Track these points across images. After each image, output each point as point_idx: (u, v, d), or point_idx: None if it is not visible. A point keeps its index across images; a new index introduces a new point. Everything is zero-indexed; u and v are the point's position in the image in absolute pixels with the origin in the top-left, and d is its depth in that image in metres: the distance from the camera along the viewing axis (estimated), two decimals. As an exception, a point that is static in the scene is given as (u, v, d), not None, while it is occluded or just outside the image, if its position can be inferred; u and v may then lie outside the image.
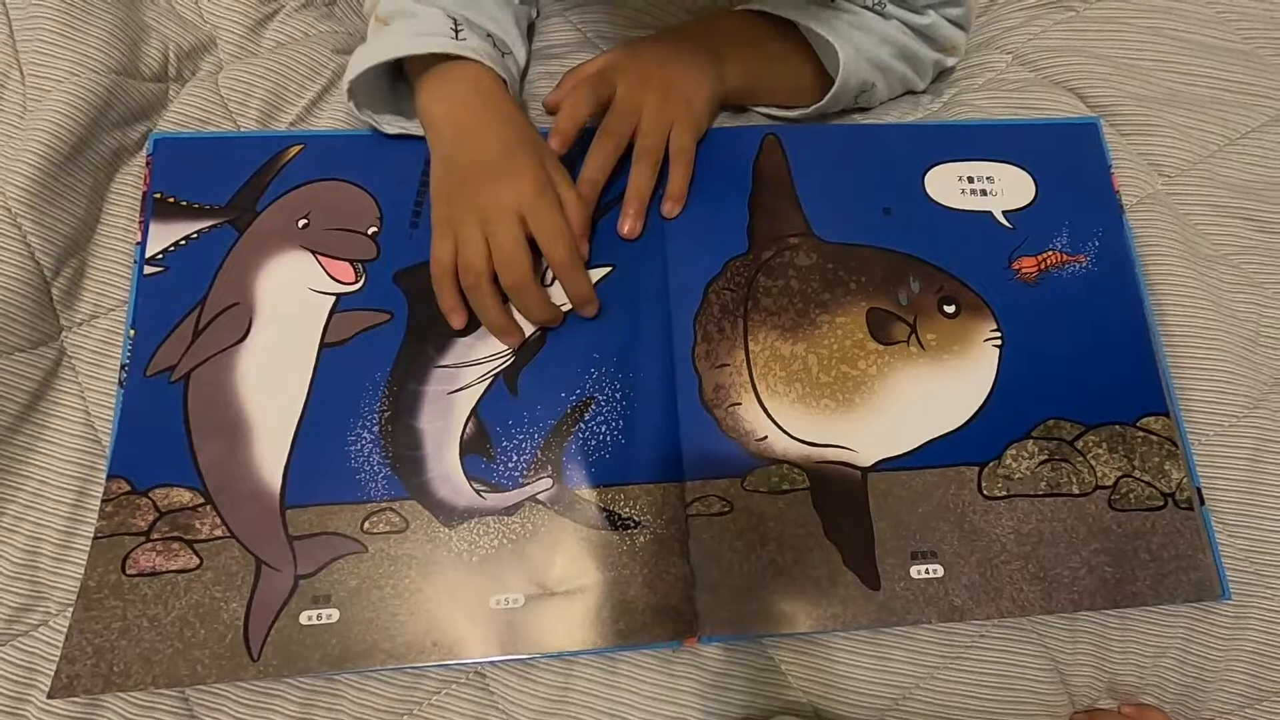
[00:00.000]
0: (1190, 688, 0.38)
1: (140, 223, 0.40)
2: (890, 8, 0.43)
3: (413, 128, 0.41)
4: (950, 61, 0.48)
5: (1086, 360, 0.40)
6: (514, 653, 0.34)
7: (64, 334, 0.39)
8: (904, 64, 0.45)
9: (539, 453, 0.37)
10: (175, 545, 0.34)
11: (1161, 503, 0.38)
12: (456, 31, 0.40)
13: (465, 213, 0.37)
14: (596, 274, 0.40)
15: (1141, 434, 0.40)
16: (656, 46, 0.43)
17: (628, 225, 0.41)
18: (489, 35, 0.42)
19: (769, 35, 0.44)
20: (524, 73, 0.46)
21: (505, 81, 0.40)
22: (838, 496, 0.37)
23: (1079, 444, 0.39)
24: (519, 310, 0.39)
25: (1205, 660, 0.38)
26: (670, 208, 0.41)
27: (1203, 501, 0.39)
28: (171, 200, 0.40)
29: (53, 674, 0.32)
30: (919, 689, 0.36)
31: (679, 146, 0.41)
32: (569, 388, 0.38)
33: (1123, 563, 0.37)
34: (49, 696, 0.32)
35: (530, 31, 0.48)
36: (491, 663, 0.35)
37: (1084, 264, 0.42)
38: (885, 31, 0.44)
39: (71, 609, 0.34)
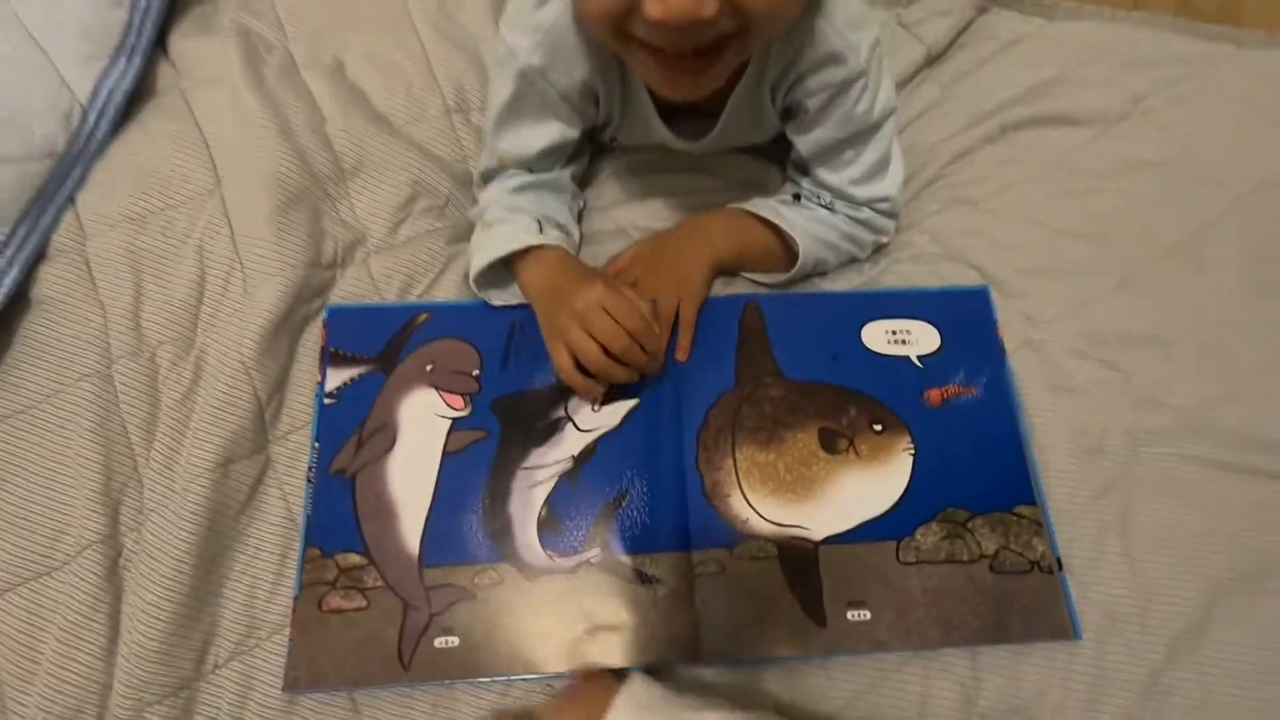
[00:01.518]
0: (1079, 709, 0.51)
1: (320, 368, 0.59)
2: (837, 205, 0.62)
3: (509, 298, 0.60)
4: (884, 239, 0.65)
5: (976, 464, 0.57)
6: (576, 668, 0.50)
7: (270, 445, 0.57)
8: (848, 243, 0.63)
9: (591, 529, 0.54)
10: (351, 592, 0.52)
11: (1029, 568, 0.54)
12: (541, 228, 0.58)
13: (567, 321, 0.53)
14: (628, 405, 0.58)
15: (1015, 517, 0.56)
16: (668, 240, 0.62)
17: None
18: (558, 225, 0.61)
19: (750, 225, 0.62)
20: (578, 248, 0.65)
21: (574, 256, 0.59)
22: (798, 562, 0.54)
23: (969, 525, 0.55)
24: (630, 363, 0.54)
25: (1082, 687, 0.52)
26: (681, 355, 0.59)
27: (1061, 568, 0.55)
28: (341, 353, 0.59)
29: (277, 676, 0.49)
30: (858, 701, 0.52)
31: (685, 315, 0.59)
32: (611, 484, 0.55)
33: (1001, 611, 0.53)
34: (283, 689, 0.49)
35: (580, 217, 0.67)
36: (559, 676, 0.51)
37: (975, 394, 0.59)
38: (834, 222, 0.62)
39: (275, 635, 0.51)
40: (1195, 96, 0.70)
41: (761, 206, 0.62)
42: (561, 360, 0.55)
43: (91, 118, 0.64)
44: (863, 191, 0.60)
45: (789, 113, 0.59)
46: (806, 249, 0.60)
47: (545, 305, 0.57)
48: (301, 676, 0.49)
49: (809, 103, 0.55)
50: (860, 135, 0.57)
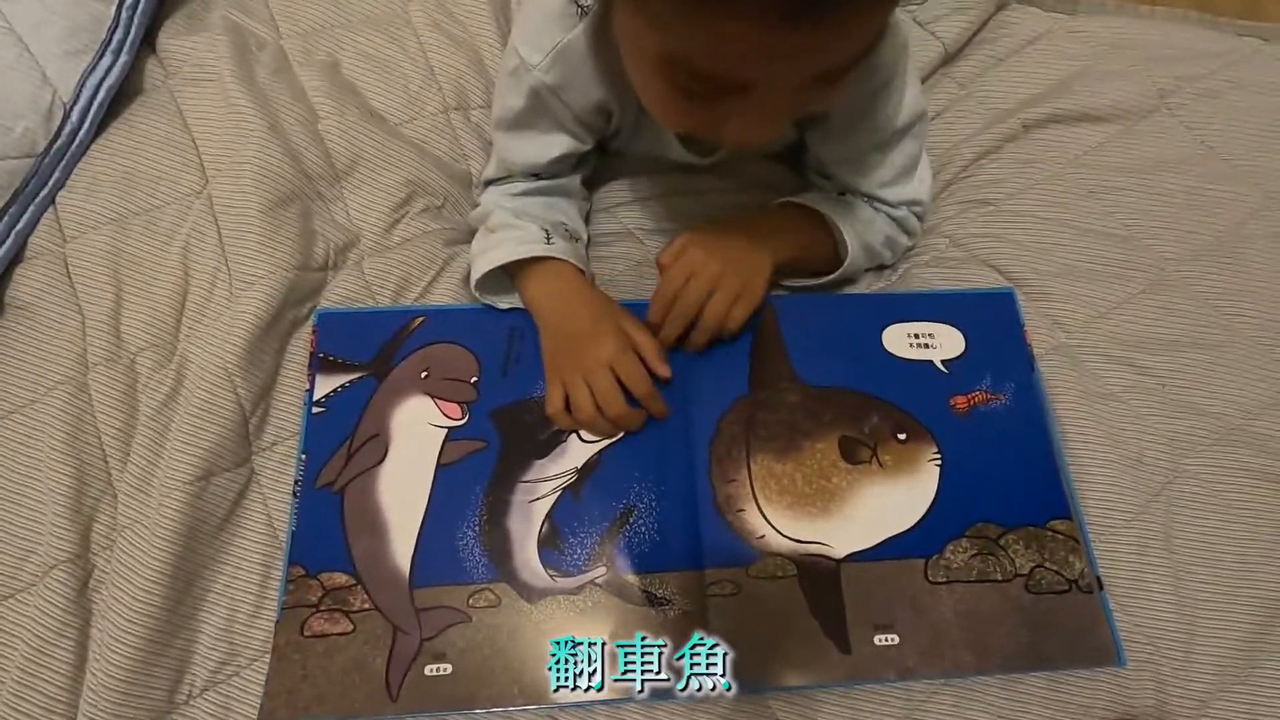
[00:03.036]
0: (1119, 744, 0.48)
1: (309, 375, 0.55)
2: (877, 202, 0.58)
3: (515, 301, 0.57)
4: (911, 242, 0.62)
5: (1006, 476, 0.53)
6: (581, 698, 0.46)
7: (254, 457, 0.53)
8: (886, 247, 0.59)
9: (596, 547, 0.50)
10: (337, 615, 0.48)
11: (1067, 588, 0.50)
12: (548, 238, 0.55)
13: (571, 371, 0.53)
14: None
15: (1050, 533, 0.52)
16: (724, 233, 0.56)
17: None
18: (566, 229, 0.58)
19: (805, 227, 0.57)
20: (586, 249, 0.61)
21: (581, 270, 0.56)
22: (818, 581, 0.50)
23: (1001, 541, 0.51)
24: (620, 428, 0.53)
25: (1126, 717, 0.49)
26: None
27: (1101, 587, 0.51)
28: (331, 358, 0.56)
29: (257, 708, 0.45)
30: (885, 735, 0.48)
31: (736, 320, 0.54)
32: (618, 498, 0.52)
33: (1037, 635, 0.49)
34: (259, 723, 0.45)
35: (587, 219, 0.64)
36: (562, 707, 0.47)
37: (1003, 401, 0.56)
38: (876, 222, 0.58)
39: (256, 663, 0.48)
40: (1223, 91, 0.67)
41: (823, 203, 0.57)
42: (554, 398, 0.53)
43: (74, 116, 0.61)
44: (893, 194, 0.57)
45: (809, 119, 0.56)
46: (854, 255, 0.57)
47: (553, 338, 0.55)
48: (279, 707, 0.45)
49: (834, 113, 0.53)
50: (886, 141, 0.55)
